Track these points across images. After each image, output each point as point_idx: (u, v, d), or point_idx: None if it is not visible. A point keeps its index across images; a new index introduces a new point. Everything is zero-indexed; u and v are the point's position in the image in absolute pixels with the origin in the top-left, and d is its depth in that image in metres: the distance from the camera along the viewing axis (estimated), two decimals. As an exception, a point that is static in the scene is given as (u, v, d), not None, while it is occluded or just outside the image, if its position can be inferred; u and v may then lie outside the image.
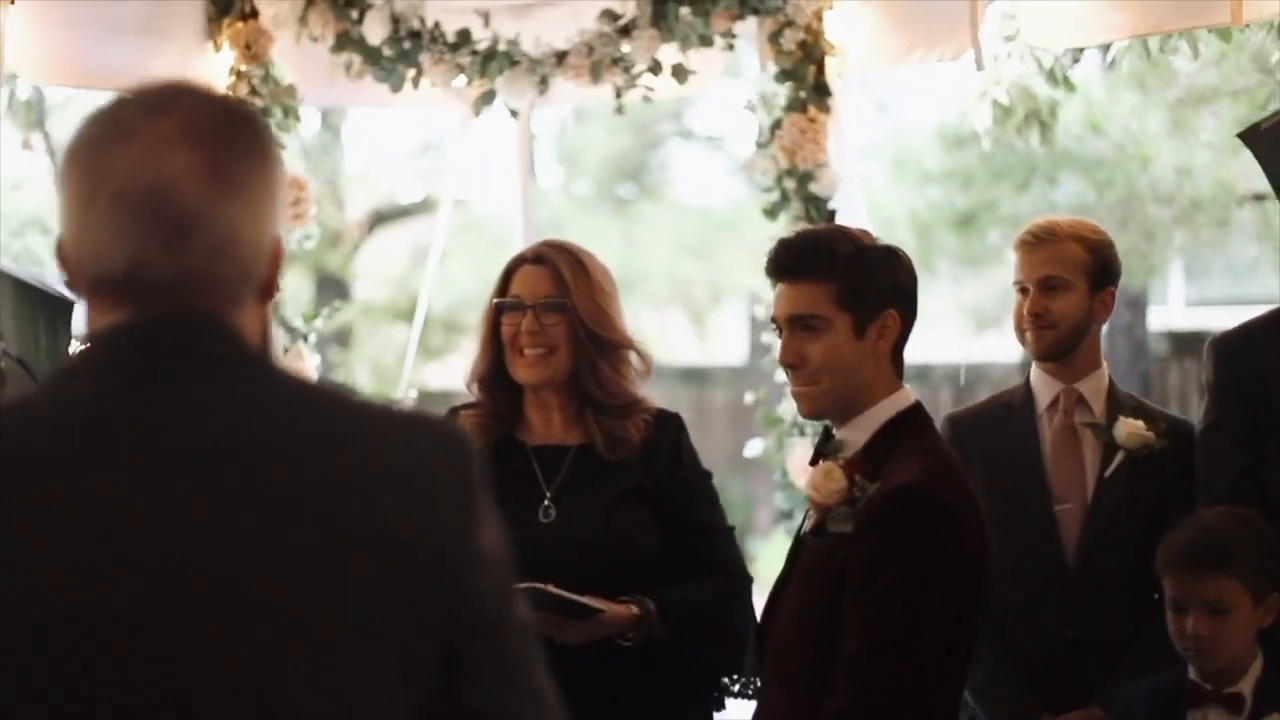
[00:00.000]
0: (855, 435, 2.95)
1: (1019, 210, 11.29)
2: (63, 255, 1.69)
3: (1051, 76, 5.90)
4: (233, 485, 1.58)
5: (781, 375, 5.47)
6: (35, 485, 1.57)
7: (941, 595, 2.80)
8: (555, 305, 3.51)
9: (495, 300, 3.58)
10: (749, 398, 5.58)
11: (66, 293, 3.46)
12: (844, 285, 2.92)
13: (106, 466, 1.58)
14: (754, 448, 5.61)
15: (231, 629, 1.55)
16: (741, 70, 10.45)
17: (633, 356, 3.61)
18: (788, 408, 5.26)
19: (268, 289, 1.70)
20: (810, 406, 3.00)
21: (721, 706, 3.64)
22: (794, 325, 2.95)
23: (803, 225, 5.11)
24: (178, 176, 1.62)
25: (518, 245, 6.33)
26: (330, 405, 1.67)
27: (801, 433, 5.26)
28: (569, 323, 3.51)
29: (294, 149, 5.59)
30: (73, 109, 14.16)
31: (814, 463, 3.11)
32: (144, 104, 1.66)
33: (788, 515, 5.40)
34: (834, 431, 3.00)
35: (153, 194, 1.62)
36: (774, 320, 3.03)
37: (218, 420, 1.61)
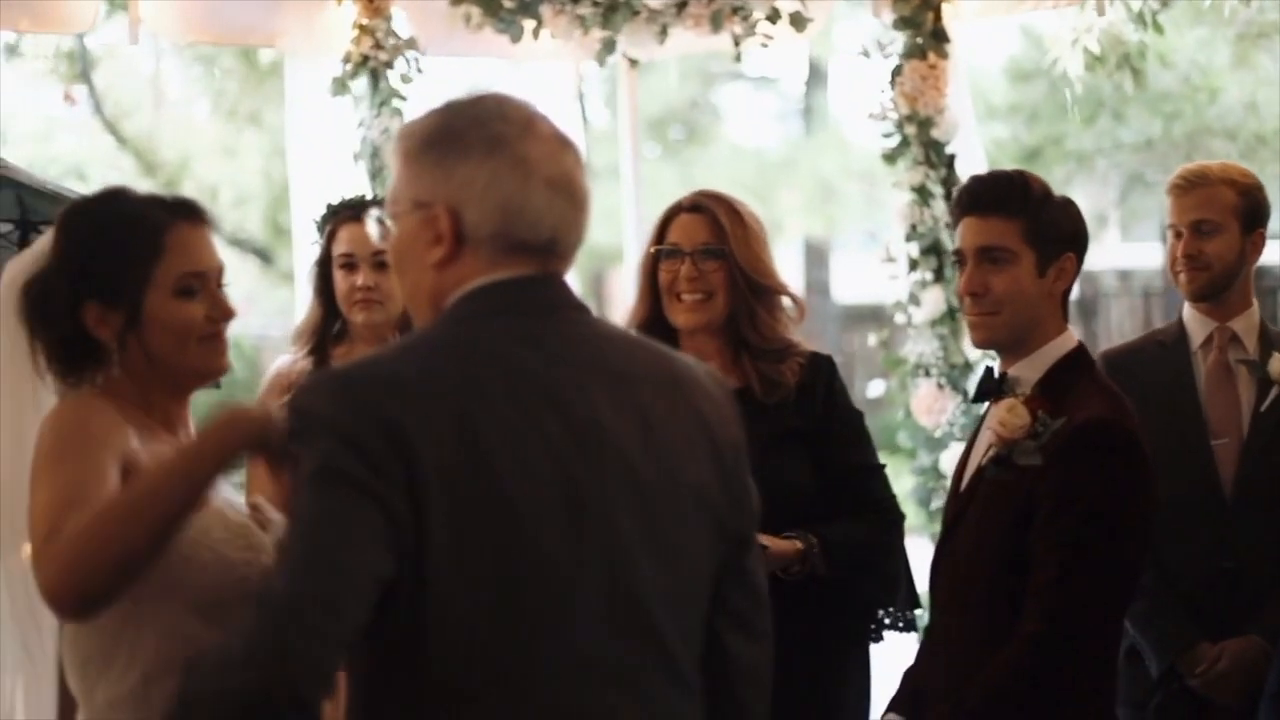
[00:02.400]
0: (1028, 372, 3.06)
1: (1084, 145, 11.29)
2: (455, 220, 2.07)
3: (1140, 20, 5.95)
4: (610, 397, 2.07)
5: (901, 317, 5.59)
6: (499, 386, 2.01)
7: (1131, 524, 2.93)
8: (714, 252, 3.59)
9: (653, 248, 3.66)
10: (872, 340, 5.66)
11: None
12: (1033, 224, 3.04)
13: (530, 381, 2.03)
14: (876, 388, 5.71)
15: (629, 498, 2.06)
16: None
17: (785, 301, 3.69)
18: (911, 349, 5.37)
19: None
20: (985, 335, 3.11)
21: (880, 639, 3.74)
22: (981, 256, 3.07)
23: (923, 170, 5.21)
24: (573, 166, 2.11)
25: (626, 195, 6.43)
26: (648, 344, 2.20)
27: (926, 374, 5.35)
28: (727, 269, 3.59)
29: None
30: (114, 63, 14.18)
31: (976, 400, 3.24)
32: (517, 107, 2.10)
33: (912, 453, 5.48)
34: (1004, 369, 3.11)
35: (569, 179, 2.09)
36: (957, 252, 3.14)
37: (591, 350, 2.10)
